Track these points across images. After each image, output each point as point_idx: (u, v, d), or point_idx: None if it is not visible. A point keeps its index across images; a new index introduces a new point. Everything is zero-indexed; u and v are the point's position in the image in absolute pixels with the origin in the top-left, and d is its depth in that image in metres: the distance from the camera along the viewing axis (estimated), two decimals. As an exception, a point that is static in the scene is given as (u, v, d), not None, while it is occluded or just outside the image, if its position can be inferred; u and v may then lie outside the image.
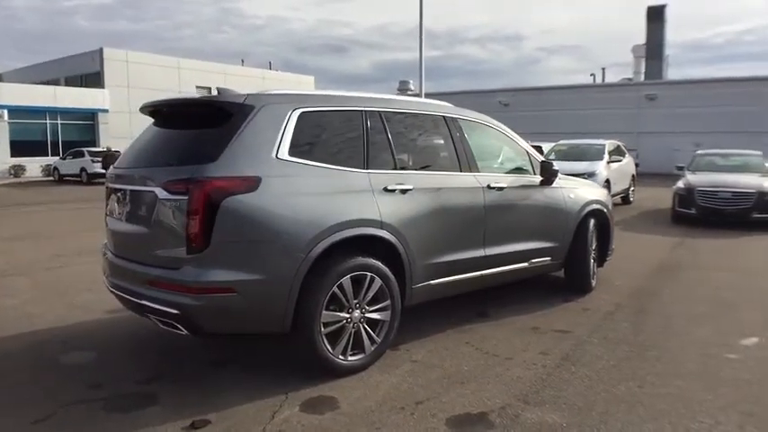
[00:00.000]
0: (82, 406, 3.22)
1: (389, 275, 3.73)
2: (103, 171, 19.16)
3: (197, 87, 35.85)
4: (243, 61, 46.81)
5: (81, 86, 32.12)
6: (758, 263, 7.46)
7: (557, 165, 5.29)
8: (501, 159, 5.11)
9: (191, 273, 3.11)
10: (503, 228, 4.66)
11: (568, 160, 12.54)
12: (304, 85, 41.15)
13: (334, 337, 3.49)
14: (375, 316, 3.70)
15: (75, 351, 4.12)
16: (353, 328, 3.59)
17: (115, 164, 4.03)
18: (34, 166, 28.31)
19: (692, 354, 4.02)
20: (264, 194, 3.23)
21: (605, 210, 5.88)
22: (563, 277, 5.72)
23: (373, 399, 3.27)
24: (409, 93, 38.32)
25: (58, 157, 27.83)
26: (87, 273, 6.62)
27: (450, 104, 4.75)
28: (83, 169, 24.72)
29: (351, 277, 3.53)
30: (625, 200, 14.40)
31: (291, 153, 3.43)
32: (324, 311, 3.42)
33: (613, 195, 11.49)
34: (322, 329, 3.42)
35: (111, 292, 3.75)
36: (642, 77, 40.24)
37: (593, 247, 5.70)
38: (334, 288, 3.45)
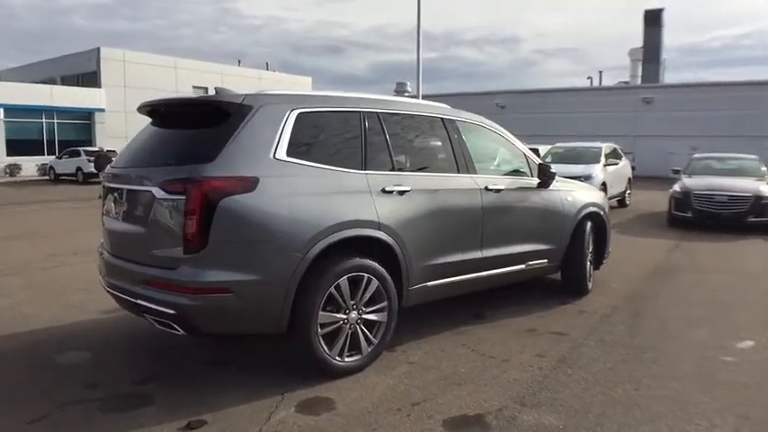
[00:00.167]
0: (78, 406, 3.20)
1: (386, 277, 3.72)
2: (95, 171, 19.04)
3: (194, 87, 35.81)
4: (240, 61, 46.77)
5: (78, 86, 32.03)
6: (754, 266, 7.48)
7: (553, 167, 5.30)
8: (498, 161, 5.11)
9: (187, 273, 3.10)
10: (500, 230, 4.67)
11: (565, 163, 12.57)
12: (301, 85, 41.15)
13: (330, 338, 3.49)
14: (372, 317, 3.69)
15: (70, 351, 4.10)
16: (350, 329, 3.58)
17: (112, 163, 4.01)
18: (30, 166, 28.22)
19: (688, 356, 4.03)
20: (262, 195, 3.22)
21: (602, 212, 5.89)
22: (559, 280, 5.73)
23: (370, 400, 3.27)
24: (406, 94, 38.36)
25: (54, 157, 27.73)
26: (83, 272, 6.60)
27: (447, 106, 4.76)
28: (79, 169, 24.64)
29: (348, 278, 3.53)
30: (621, 203, 14.44)
31: (289, 153, 3.43)
32: (321, 312, 3.41)
33: (610, 198, 11.51)
34: (319, 330, 3.41)
35: (108, 291, 3.74)
36: (639, 81, 40.39)
37: (590, 250, 5.71)
38: (331, 289, 3.45)
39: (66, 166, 25.62)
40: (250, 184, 3.19)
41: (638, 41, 42.12)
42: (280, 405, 3.19)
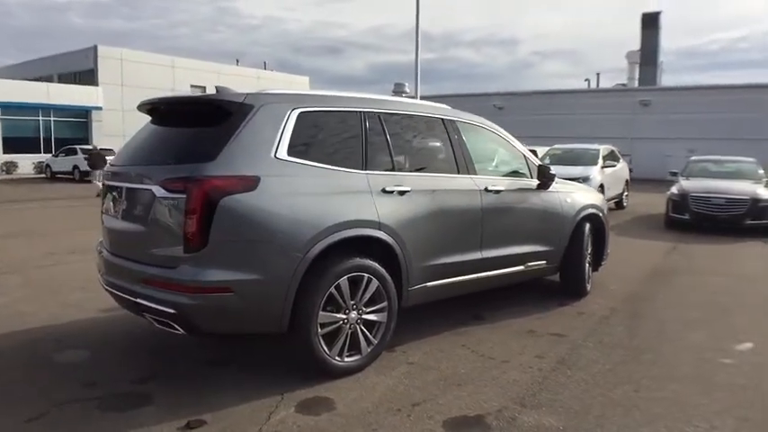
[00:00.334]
0: (76, 405, 3.19)
1: (386, 277, 3.72)
2: (89, 170, 18.93)
3: (191, 86, 35.73)
4: (238, 61, 46.69)
5: (75, 84, 31.91)
6: (751, 269, 7.50)
7: (552, 169, 5.30)
8: (498, 162, 5.11)
9: (188, 272, 3.09)
10: (499, 231, 4.67)
11: (563, 164, 12.57)
12: (298, 85, 41.06)
13: (330, 338, 3.48)
14: (372, 317, 3.69)
15: (68, 350, 4.08)
16: (350, 329, 3.58)
17: (112, 161, 4.00)
18: (26, 163, 28.12)
19: (686, 358, 4.04)
20: (263, 194, 3.21)
21: (601, 214, 5.90)
22: (558, 281, 5.73)
23: (370, 400, 3.26)
24: (404, 95, 38.35)
25: (50, 155, 27.64)
26: (80, 271, 6.58)
27: (448, 107, 4.76)
28: (75, 167, 24.56)
29: (348, 278, 3.52)
30: (619, 205, 14.46)
31: (290, 153, 3.42)
32: (321, 312, 3.40)
33: (607, 200, 11.51)
34: (319, 330, 3.40)
35: (107, 290, 3.72)
36: (636, 83, 40.45)
37: (589, 252, 5.72)
38: (332, 289, 3.44)
39: (63, 164, 25.54)
40: (251, 183, 3.18)
41: (635, 44, 42.21)
42: (279, 405, 3.18)
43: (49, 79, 32.30)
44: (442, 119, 4.51)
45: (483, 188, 4.51)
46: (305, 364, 3.51)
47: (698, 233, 10.31)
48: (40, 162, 28.01)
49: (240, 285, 3.13)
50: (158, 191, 3.19)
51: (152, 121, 3.94)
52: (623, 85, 42.22)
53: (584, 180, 11.17)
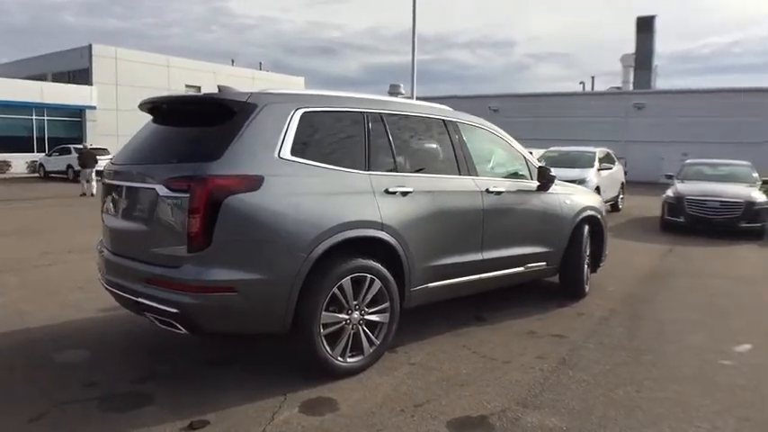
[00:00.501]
0: (77, 405, 3.17)
1: (389, 277, 3.72)
2: (79, 169, 18.78)
3: (186, 86, 35.61)
4: (233, 61, 46.61)
5: (69, 83, 31.74)
6: (747, 271, 7.55)
7: None
8: (498, 163, 5.12)
9: (191, 271, 3.07)
10: (500, 232, 4.67)
11: (559, 167, 12.55)
12: (294, 85, 40.97)
13: (333, 339, 3.48)
14: (374, 318, 3.68)
15: (68, 350, 4.05)
16: (353, 329, 3.57)
17: (113, 160, 3.97)
18: (20, 162, 27.91)
19: (687, 359, 4.06)
20: (267, 194, 3.20)
21: (599, 216, 5.92)
22: (556, 283, 5.75)
23: (373, 401, 3.26)
24: (400, 96, 38.36)
25: (43, 154, 27.46)
26: (78, 271, 6.54)
27: (449, 108, 4.76)
28: (69, 166, 24.37)
29: (351, 278, 3.52)
30: (614, 207, 14.51)
31: (294, 153, 3.41)
32: (323, 312, 3.40)
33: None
34: (321, 330, 3.40)
35: (107, 289, 3.70)
36: (630, 87, 40.68)
37: (587, 253, 5.74)
38: (335, 289, 3.44)
39: (57, 163, 25.38)
40: (255, 182, 3.17)
41: (629, 48, 42.47)
42: (283, 405, 3.17)
43: (43, 78, 32.12)
44: (444, 120, 4.52)
45: (484, 189, 4.52)
46: (307, 365, 3.50)
47: (693, 236, 10.37)
48: (33, 161, 27.82)
49: (244, 285, 3.12)
50: (161, 190, 3.18)
51: (153, 121, 3.92)
52: (618, 88, 42.46)
53: (581, 182, 11.18)
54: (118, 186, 3.68)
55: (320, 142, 3.64)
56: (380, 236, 3.66)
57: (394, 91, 44.25)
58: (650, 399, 3.37)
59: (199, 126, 3.53)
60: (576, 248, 5.49)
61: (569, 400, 3.31)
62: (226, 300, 3.10)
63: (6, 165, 27.43)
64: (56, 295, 5.53)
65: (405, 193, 3.87)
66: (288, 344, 3.50)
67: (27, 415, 3.02)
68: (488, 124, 5.06)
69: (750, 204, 10.31)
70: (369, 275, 3.60)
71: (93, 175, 17.86)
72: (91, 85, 31.52)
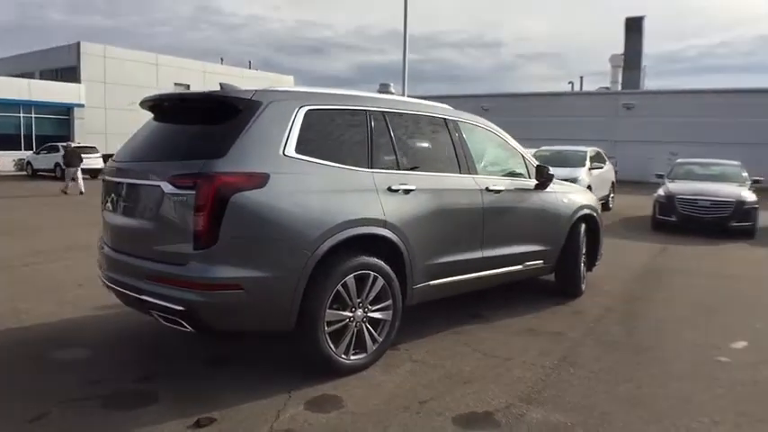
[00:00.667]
0: (80, 404, 3.15)
1: (392, 275, 3.73)
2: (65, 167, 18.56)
3: (175, 84, 35.35)
4: (222, 59, 46.35)
5: (57, 81, 31.40)
6: (739, 269, 7.64)
7: None
8: (498, 162, 5.14)
9: (197, 268, 3.07)
10: (499, 230, 4.70)
11: (551, 165, 12.60)
12: (284, 84, 40.82)
13: (337, 336, 3.48)
14: (377, 315, 3.70)
15: (68, 348, 4.02)
16: (356, 327, 3.58)
17: (114, 157, 3.95)
18: (7, 160, 27.57)
19: (684, 356, 4.11)
20: (272, 191, 3.20)
21: (595, 214, 5.97)
22: (552, 281, 5.79)
23: (377, 398, 3.27)
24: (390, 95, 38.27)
25: (31, 152, 27.15)
26: (73, 269, 6.51)
27: (449, 107, 4.78)
28: (57, 164, 24.03)
29: (354, 276, 3.52)
30: (605, 206, 14.60)
31: (298, 150, 3.41)
32: (328, 310, 3.40)
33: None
34: (326, 328, 3.40)
35: (109, 287, 3.67)
36: (619, 87, 40.95)
37: (584, 252, 5.78)
38: (339, 287, 3.44)
39: (44, 161, 25.09)
40: (261, 180, 3.17)
41: (618, 48, 42.79)
42: (288, 403, 3.17)
43: (30, 76, 31.74)
44: (445, 118, 4.53)
45: (484, 188, 4.54)
46: (311, 362, 3.50)
47: (684, 234, 10.48)
48: (20, 159, 27.49)
49: (250, 282, 3.12)
50: (167, 187, 3.16)
51: (154, 118, 3.90)
52: (606, 88, 42.73)
53: (573, 181, 11.24)
54: (120, 183, 3.65)
55: (324, 140, 3.64)
56: (384, 233, 3.67)
57: (384, 90, 44.18)
58: (651, 395, 3.41)
59: (202, 123, 3.52)
60: (574, 247, 5.54)
61: (572, 397, 3.34)
62: (232, 297, 3.09)
63: (-7, 163, 27.10)
64: (53, 293, 5.47)
65: (407, 191, 3.89)
66: (292, 341, 3.50)
67: (29, 414, 2.99)
68: (488, 123, 5.09)
69: (740, 204, 10.44)
70: (372, 273, 3.61)
71: (79, 173, 17.68)
72: (79, 82, 31.21)
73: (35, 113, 29.73)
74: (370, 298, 3.64)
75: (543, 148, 15.84)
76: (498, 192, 4.67)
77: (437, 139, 4.46)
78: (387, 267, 3.69)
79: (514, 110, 34.66)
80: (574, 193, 5.79)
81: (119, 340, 4.26)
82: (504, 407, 3.19)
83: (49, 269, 6.64)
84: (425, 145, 4.43)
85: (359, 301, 3.58)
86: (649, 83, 45.43)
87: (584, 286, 5.78)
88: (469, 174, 4.51)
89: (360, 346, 3.61)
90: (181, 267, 3.10)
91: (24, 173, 26.44)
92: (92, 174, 23.69)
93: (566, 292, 5.66)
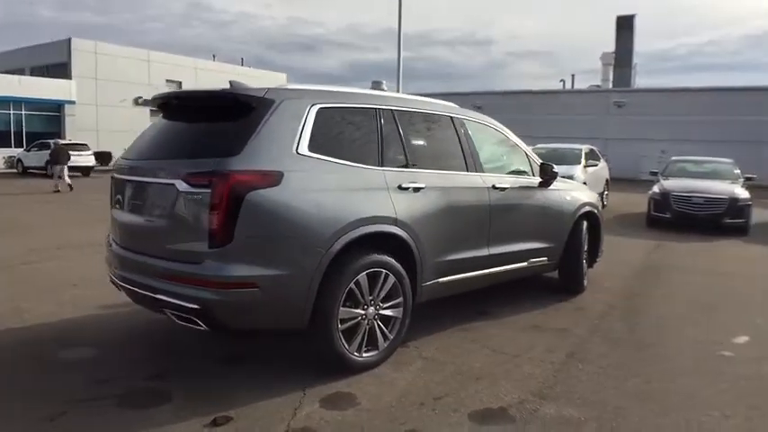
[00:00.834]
0: (94, 403, 3.14)
1: (403, 273, 3.75)
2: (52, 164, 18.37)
3: (167, 81, 35.14)
4: (214, 56, 46.14)
5: (47, 77, 31.09)
6: (733, 266, 7.73)
7: None
8: (503, 160, 5.18)
9: (212, 267, 3.06)
10: (505, 228, 4.74)
11: (547, 163, 12.72)
12: (277, 81, 40.71)
13: (349, 334, 3.49)
14: (388, 313, 3.71)
15: (74, 347, 4.00)
16: (368, 324, 3.59)
17: (124, 155, 3.93)
18: (-4, 158, 27.33)
19: (689, 352, 4.17)
20: (286, 189, 3.21)
21: (596, 212, 6.03)
22: (553, 278, 5.84)
23: (391, 395, 3.29)
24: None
25: (21, 149, 26.87)
26: (69, 268, 6.48)
27: (455, 105, 4.81)
28: (48, 162, 23.86)
29: (367, 274, 3.54)
30: (599, 203, 14.71)
31: (311, 148, 3.42)
32: (341, 308, 3.41)
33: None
34: (339, 326, 3.41)
35: (119, 285, 3.66)
36: (610, 85, 41.19)
37: (585, 249, 5.83)
38: (351, 284, 3.45)
39: (35, 158, 24.80)
40: (275, 178, 3.18)
41: (607, 46, 43.03)
42: (303, 400, 3.18)
43: (20, 72, 31.42)
44: (451, 117, 4.56)
45: (490, 186, 4.57)
46: (325, 360, 3.51)
47: (679, 231, 10.58)
48: (11, 156, 27.20)
49: (265, 280, 3.12)
50: (181, 185, 3.16)
51: (164, 116, 3.89)
52: (597, 86, 42.95)
53: (569, 179, 11.34)
54: (131, 182, 3.64)
55: (335, 138, 3.65)
56: (395, 231, 3.69)
57: (376, 87, 44.09)
58: (660, 390, 3.45)
59: (214, 121, 3.51)
60: (576, 244, 5.59)
61: (583, 392, 3.38)
62: (247, 295, 3.10)
63: (-18, 160, 26.81)
64: (50, 293, 5.43)
65: (417, 189, 3.91)
66: (305, 339, 3.51)
67: (45, 414, 2.98)
68: (492, 121, 5.13)
69: (734, 201, 10.56)
70: (384, 271, 3.63)
71: (65, 171, 17.54)
72: (70, 79, 30.94)
73: (25, 110, 29.44)
74: (382, 295, 3.66)
75: (539, 145, 15.87)
76: (504, 189, 4.70)
77: (445, 137, 4.48)
78: (398, 265, 3.71)
79: (506, 107, 34.65)
80: (576, 190, 5.84)
81: (122, 339, 4.23)
82: (518, 402, 3.22)
83: (45, 268, 6.59)
84: (433, 143, 4.44)
85: (371, 298, 3.59)
86: (640, 81, 45.66)
87: (585, 283, 5.84)
88: (476, 172, 4.53)
89: (371, 343, 3.63)
90: (196, 266, 3.10)
91: (15, 170, 26.18)
92: (83, 171, 23.54)
93: (568, 289, 5.71)
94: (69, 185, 17.02)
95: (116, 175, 3.86)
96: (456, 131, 4.52)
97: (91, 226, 9.76)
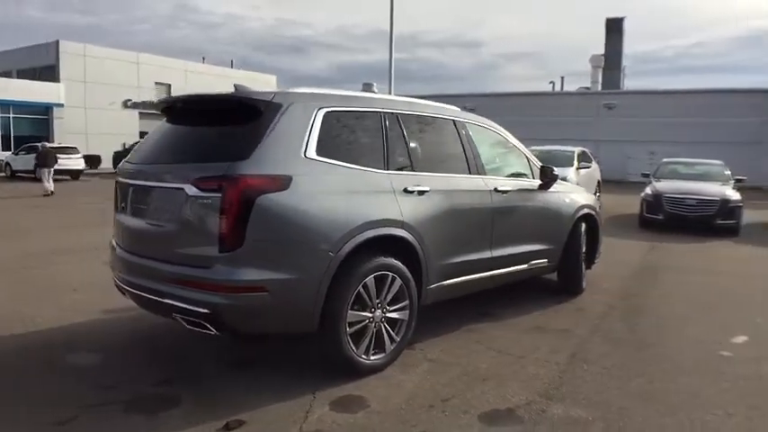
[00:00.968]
0: (103, 408, 3.13)
1: (409, 276, 3.77)
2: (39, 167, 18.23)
3: (156, 83, 34.99)
4: (204, 59, 45.96)
5: (35, 80, 30.81)
6: (727, 266, 7.85)
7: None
8: (504, 163, 5.23)
9: (223, 271, 3.07)
10: (507, 230, 4.78)
11: (541, 165, 12.80)
12: (266, 84, 40.64)
13: (357, 337, 3.51)
14: (395, 315, 3.74)
15: (79, 352, 3.99)
16: (375, 327, 3.62)
17: (129, 159, 3.92)
18: (-17, 162, 27.00)
19: (689, 352, 4.23)
20: (295, 193, 3.22)
21: (594, 213, 6.09)
22: (552, 279, 5.89)
23: (400, 397, 3.31)
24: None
25: (9, 152, 26.59)
26: (67, 273, 6.44)
27: (457, 108, 4.84)
28: (36, 165, 23.65)
29: (374, 277, 3.56)
30: (592, 205, 14.83)
31: (318, 152, 3.44)
32: (349, 311, 3.43)
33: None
34: (347, 329, 3.43)
35: (125, 290, 3.65)
36: (599, 87, 41.56)
37: (584, 250, 5.89)
38: (359, 287, 3.47)
39: (23, 162, 24.52)
40: (284, 182, 3.19)
41: (598, 48, 43.37)
42: (313, 404, 3.19)
43: (8, 74, 31.13)
44: (454, 120, 4.60)
45: (493, 188, 4.61)
46: (333, 363, 3.52)
47: (671, 232, 10.70)
48: (-2, 160, 26.94)
49: (275, 284, 3.14)
50: (191, 189, 3.16)
51: (168, 120, 3.89)
52: (587, 88, 43.31)
53: (562, 180, 11.44)
54: (137, 186, 3.64)
55: (342, 142, 3.67)
56: (401, 234, 3.71)
57: (367, 89, 44.29)
58: (663, 390, 3.50)
59: (222, 125, 3.52)
60: (575, 246, 5.65)
61: (588, 392, 3.43)
62: (257, 300, 3.11)
63: (-30, 164, 26.47)
64: (50, 298, 5.39)
65: (421, 192, 3.94)
66: (314, 343, 3.53)
67: (55, 419, 2.98)
68: (493, 124, 5.17)
69: (725, 202, 10.70)
70: (391, 273, 3.65)
71: (51, 174, 17.41)
72: (58, 81, 30.69)
73: (13, 113, 29.18)
74: (389, 298, 3.68)
75: (533, 147, 15.98)
76: (506, 192, 4.74)
77: (447, 140, 4.52)
78: (404, 268, 3.74)
79: (498, 109, 34.75)
80: (575, 192, 5.91)
81: (127, 344, 4.22)
82: (525, 403, 3.25)
83: (44, 272, 6.54)
84: (437, 146, 4.48)
85: (378, 301, 3.62)
86: (628, 83, 46.14)
87: (584, 284, 5.90)
88: (479, 175, 4.57)
89: (379, 346, 3.65)
90: (205, 270, 3.11)
91: (3, 174, 25.89)
92: (72, 174, 23.35)
93: (567, 290, 5.76)
94: (51, 191, 16.86)
95: (121, 179, 3.85)
96: (458, 134, 4.56)
97: (83, 230, 9.72)
